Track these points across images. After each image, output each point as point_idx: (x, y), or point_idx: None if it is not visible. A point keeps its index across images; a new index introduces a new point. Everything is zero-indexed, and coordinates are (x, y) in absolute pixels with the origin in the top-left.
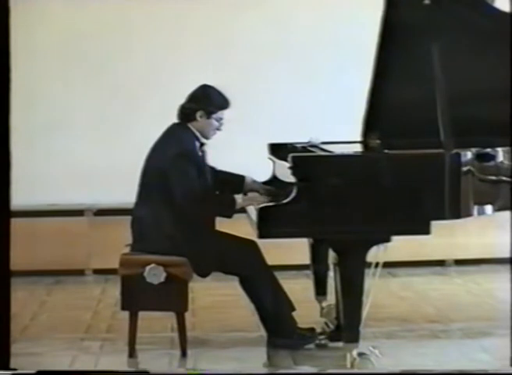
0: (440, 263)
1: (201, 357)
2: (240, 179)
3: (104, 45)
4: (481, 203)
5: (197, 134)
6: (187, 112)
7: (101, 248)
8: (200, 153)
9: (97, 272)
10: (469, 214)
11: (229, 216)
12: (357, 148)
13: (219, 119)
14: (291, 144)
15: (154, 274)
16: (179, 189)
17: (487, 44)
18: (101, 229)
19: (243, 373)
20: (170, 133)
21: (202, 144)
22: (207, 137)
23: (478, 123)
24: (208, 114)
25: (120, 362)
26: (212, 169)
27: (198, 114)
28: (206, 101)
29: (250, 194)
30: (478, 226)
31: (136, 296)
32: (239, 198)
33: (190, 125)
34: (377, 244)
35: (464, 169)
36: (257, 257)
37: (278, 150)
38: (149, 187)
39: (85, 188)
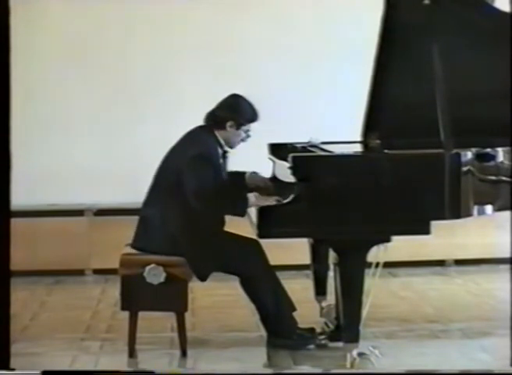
0: (440, 263)
1: (201, 357)
2: (240, 177)
3: (105, 46)
4: (481, 203)
5: (222, 142)
6: (217, 120)
7: (101, 248)
8: (221, 160)
9: (97, 272)
10: (469, 214)
11: (242, 215)
12: (357, 148)
13: (246, 131)
14: (291, 144)
15: (154, 274)
16: (191, 189)
17: (487, 44)
18: (101, 229)
19: (243, 373)
20: (193, 136)
21: (225, 152)
22: (231, 147)
23: (478, 123)
24: (238, 125)
25: (120, 362)
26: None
27: (228, 124)
28: (239, 113)
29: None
30: (478, 226)
31: (136, 296)
32: (251, 196)
33: (216, 132)
34: (377, 244)
35: (464, 169)
36: (259, 257)
37: (278, 150)
38: (162, 186)
39: (85, 188)
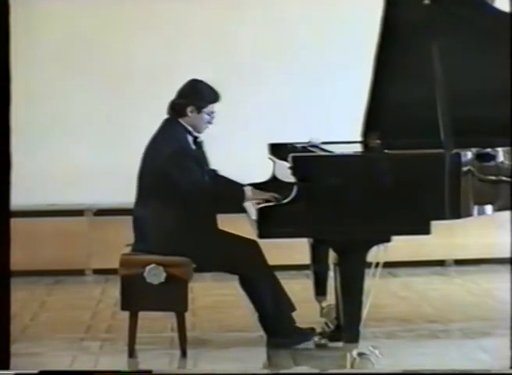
0: (440, 263)
1: (201, 357)
2: (240, 188)
3: (105, 46)
4: (481, 203)
5: (190, 129)
6: (178, 108)
7: (101, 248)
8: (194, 146)
9: (97, 272)
10: (469, 214)
11: (239, 210)
12: (357, 148)
13: (210, 113)
14: (291, 144)
15: (154, 274)
16: (184, 184)
17: (487, 44)
18: (101, 229)
19: (243, 373)
20: (163, 131)
21: (196, 138)
22: (199, 132)
23: (478, 123)
24: (199, 109)
25: (120, 362)
26: (213, 171)
27: (189, 109)
28: (196, 96)
29: (260, 191)
30: (478, 226)
31: (136, 296)
32: (248, 190)
33: (181, 120)
34: (377, 244)
35: (464, 169)
36: (257, 257)
37: (278, 150)
38: (148, 187)
39: (85, 188)
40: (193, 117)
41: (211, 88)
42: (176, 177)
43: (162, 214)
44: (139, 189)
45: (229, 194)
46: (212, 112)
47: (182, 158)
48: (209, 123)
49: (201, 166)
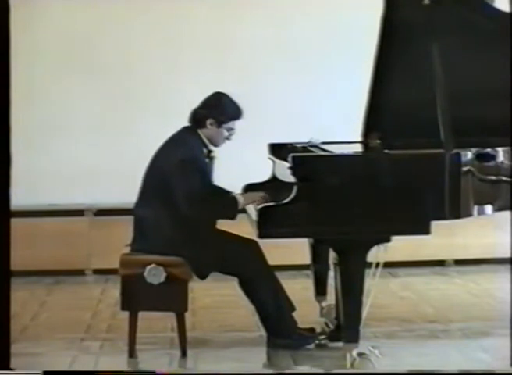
0: (440, 263)
1: (201, 357)
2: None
3: (105, 46)
4: (481, 203)
5: (206, 141)
6: (198, 118)
7: (101, 248)
8: (206, 159)
9: (97, 272)
10: (469, 214)
11: (233, 218)
12: (357, 148)
13: (230, 130)
14: (291, 144)
15: (154, 274)
16: (182, 194)
17: (487, 44)
18: (101, 229)
19: (243, 373)
20: (178, 137)
21: (210, 151)
22: (216, 145)
23: (478, 123)
24: (219, 123)
25: (120, 362)
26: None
27: (208, 122)
28: (218, 110)
29: (250, 193)
30: (478, 226)
31: (136, 296)
32: (240, 198)
33: (199, 131)
34: (377, 244)
35: (464, 169)
36: (258, 257)
37: (278, 150)
38: (151, 188)
39: (85, 188)
40: (211, 130)
41: (235, 104)
42: (178, 185)
43: (162, 216)
44: (142, 188)
45: (223, 205)
46: (232, 129)
47: (188, 168)
48: (227, 139)
49: (206, 178)
